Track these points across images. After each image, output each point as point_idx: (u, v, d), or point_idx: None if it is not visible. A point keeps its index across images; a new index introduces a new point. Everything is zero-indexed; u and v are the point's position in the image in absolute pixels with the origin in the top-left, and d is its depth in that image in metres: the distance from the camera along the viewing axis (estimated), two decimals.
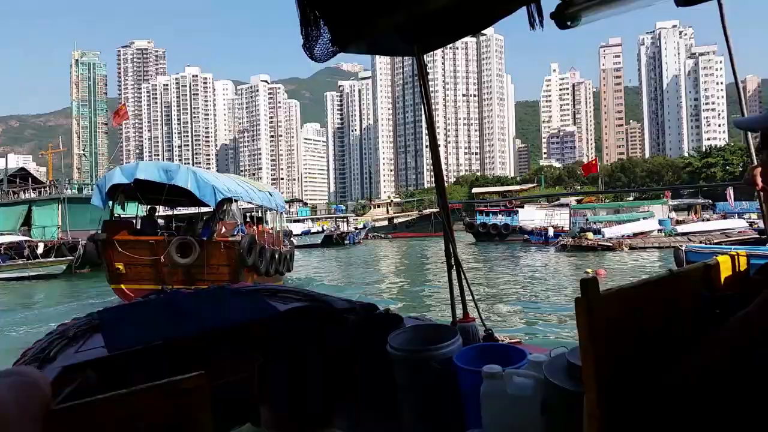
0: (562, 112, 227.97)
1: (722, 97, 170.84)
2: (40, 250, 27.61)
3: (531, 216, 43.12)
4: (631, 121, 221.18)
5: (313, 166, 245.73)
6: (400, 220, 73.40)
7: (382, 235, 67.83)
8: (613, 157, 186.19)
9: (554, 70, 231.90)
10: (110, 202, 13.45)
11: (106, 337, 2.49)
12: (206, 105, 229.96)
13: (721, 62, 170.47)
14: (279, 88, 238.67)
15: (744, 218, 35.16)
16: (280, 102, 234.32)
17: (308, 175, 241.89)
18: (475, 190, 61.92)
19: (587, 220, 33.35)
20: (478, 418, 2.02)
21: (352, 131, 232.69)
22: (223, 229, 13.49)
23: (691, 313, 1.43)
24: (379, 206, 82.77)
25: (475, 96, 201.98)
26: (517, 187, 68.57)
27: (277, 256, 15.83)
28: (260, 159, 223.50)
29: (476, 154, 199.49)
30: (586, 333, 1.14)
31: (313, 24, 2.48)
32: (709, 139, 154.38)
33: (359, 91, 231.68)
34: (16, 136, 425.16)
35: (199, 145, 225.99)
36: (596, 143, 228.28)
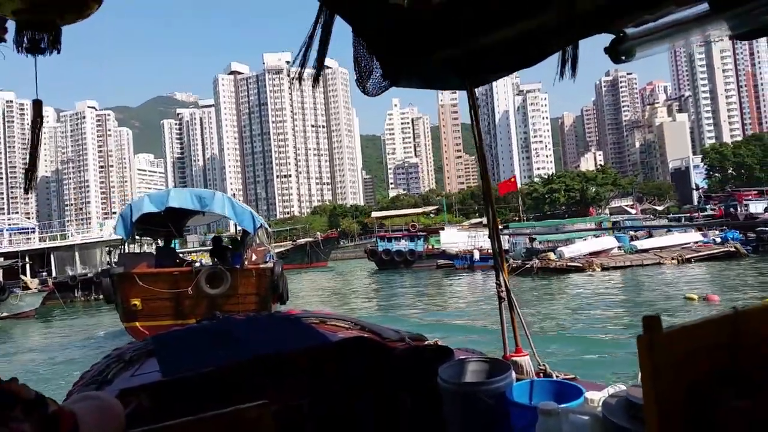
0: (404, 145, 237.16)
1: (548, 130, 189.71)
2: None
3: (453, 239, 41.34)
4: (464, 153, 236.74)
5: None
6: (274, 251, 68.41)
7: None
8: (455, 186, 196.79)
9: (395, 105, 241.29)
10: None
11: (160, 361, 2.52)
12: (23, 134, 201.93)
13: (545, 98, 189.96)
14: (109, 116, 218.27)
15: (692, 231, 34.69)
16: (110, 130, 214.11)
17: None
18: (375, 214, 59.21)
19: (533, 240, 31.98)
20: None
21: (195, 161, 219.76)
22: (254, 256, 13.02)
23: (762, 355, 1.36)
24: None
25: (323, 127, 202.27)
26: (419, 210, 67.42)
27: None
28: (88, 191, 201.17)
29: (328, 184, 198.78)
30: (648, 371, 1.12)
31: (367, 59, 2.54)
32: (538, 168, 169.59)
33: (201, 119, 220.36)
34: None
35: (15, 177, 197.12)
36: (436, 174, 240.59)
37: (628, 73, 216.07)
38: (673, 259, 27.71)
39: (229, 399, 1.19)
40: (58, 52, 1.44)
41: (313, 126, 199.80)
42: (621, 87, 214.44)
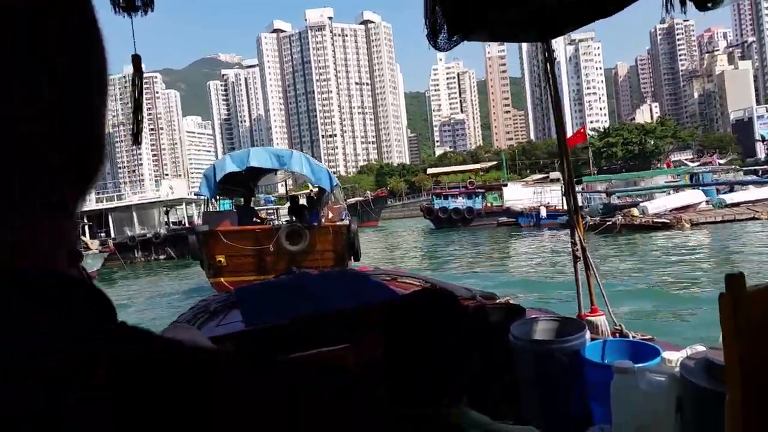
0: (450, 101, 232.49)
1: (602, 81, 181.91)
2: None
3: (518, 195, 39.64)
4: (512, 108, 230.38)
5: (199, 161, 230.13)
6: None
7: None
8: (503, 143, 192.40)
9: (440, 59, 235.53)
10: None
11: (243, 312, 2.72)
12: None
13: (599, 48, 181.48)
14: (156, 78, 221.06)
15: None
16: (158, 92, 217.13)
17: (195, 171, 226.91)
18: (430, 171, 57.84)
19: (610, 195, 30.08)
20: (606, 413, 2.01)
21: (241, 122, 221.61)
22: (330, 214, 13.01)
23: None
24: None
25: (367, 84, 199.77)
26: (477, 166, 65.73)
27: None
28: (140, 153, 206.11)
29: (373, 143, 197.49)
30: (730, 331, 1.10)
31: (437, 13, 2.49)
32: (591, 121, 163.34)
33: (245, 80, 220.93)
34: None
35: None
36: (483, 131, 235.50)
37: (684, 20, 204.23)
38: None
39: (305, 348, 1.16)
40: (152, 11, 1.51)
41: (357, 83, 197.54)
42: (677, 35, 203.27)
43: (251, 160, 12.13)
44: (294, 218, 13.30)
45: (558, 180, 38.56)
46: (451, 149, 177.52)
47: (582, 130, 34.62)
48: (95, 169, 0.33)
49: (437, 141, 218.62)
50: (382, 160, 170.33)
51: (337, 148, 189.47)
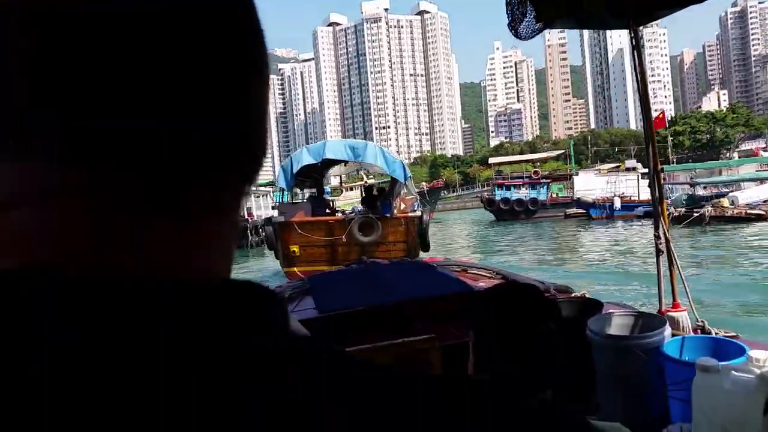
0: (506, 91, 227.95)
1: (667, 68, 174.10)
2: None
3: (590, 185, 37.80)
4: (573, 97, 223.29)
5: None
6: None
7: None
8: (562, 133, 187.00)
9: (497, 49, 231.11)
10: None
11: (316, 299, 2.78)
12: None
13: (664, 34, 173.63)
14: None
15: None
16: None
17: None
18: (492, 160, 56.29)
19: (694, 186, 28.15)
20: (686, 412, 1.96)
21: (296, 116, 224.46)
22: (402, 205, 13.55)
23: None
24: (351, 188, 76.30)
25: (422, 76, 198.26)
26: (544, 155, 63.60)
27: None
28: None
29: (426, 134, 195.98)
30: None
31: (521, 1, 2.43)
32: (656, 110, 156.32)
33: (301, 73, 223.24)
34: None
35: None
36: (540, 121, 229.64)
37: (759, 2, 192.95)
38: None
39: (383, 337, 1.20)
40: None
41: (411, 75, 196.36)
42: (751, 18, 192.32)
43: (327, 152, 12.24)
44: (367, 208, 13.33)
45: (633, 169, 36.40)
46: (507, 140, 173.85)
47: (661, 116, 32.32)
48: (256, 167, 0.32)
49: (492, 131, 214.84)
50: (435, 151, 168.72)
51: (390, 139, 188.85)
